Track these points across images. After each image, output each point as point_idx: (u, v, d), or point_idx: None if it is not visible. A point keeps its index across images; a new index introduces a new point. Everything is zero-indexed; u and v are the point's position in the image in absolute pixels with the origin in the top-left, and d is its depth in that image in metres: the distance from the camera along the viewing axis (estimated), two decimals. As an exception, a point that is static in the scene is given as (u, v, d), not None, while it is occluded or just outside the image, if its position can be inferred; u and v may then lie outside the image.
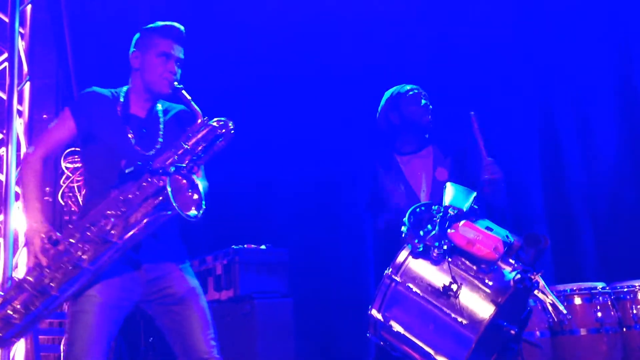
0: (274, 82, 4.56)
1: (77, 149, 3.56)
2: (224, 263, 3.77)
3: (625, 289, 3.66)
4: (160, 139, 2.37)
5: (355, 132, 4.36)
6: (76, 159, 4.46)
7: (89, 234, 2.13)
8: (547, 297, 2.34)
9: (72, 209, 4.22)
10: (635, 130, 4.41)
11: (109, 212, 2.14)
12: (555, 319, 2.37)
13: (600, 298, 3.62)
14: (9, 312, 2.17)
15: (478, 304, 2.23)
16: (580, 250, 4.40)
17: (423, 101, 3.13)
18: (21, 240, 3.95)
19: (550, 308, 2.33)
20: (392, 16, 4.56)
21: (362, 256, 4.31)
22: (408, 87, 3.19)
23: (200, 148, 2.26)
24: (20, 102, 4.22)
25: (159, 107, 2.45)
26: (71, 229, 2.19)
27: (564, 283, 3.81)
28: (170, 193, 2.10)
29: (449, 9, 4.55)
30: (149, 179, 2.16)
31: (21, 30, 4.30)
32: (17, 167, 4.01)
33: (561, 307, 2.33)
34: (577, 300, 3.64)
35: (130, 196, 2.15)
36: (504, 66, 4.53)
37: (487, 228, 2.35)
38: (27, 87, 4.27)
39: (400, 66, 4.42)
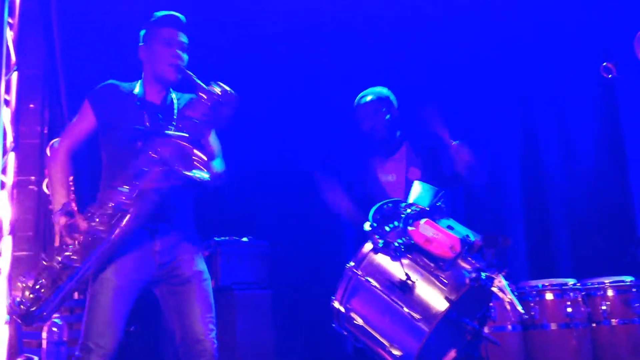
0: (259, 76, 4.60)
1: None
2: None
3: (596, 286, 3.78)
4: (174, 123, 2.44)
5: (339, 126, 4.43)
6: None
7: (106, 208, 2.26)
8: (506, 296, 2.42)
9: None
10: (613, 133, 4.51)
11: (123, 187, 2.26)
12: (513, 318, 2.46)
13: (571, 294, 3.73)
14: (38, 287, 2.28)
15: (432, 300, 2.31)
16: (555, 248, 4.51)
17: (375, 110, 3.17)
18: (5, 227, 4.00)
19: (508, 307, 2.42)
20: (373, 15, 4.61)
21: (343, 249, 4.39)
22: (365, 97, 3.23)
23: (206, 116, 2.37)
24: (7, 91, 4.25)
25: (173, 95, 2.55)
26: (93, 207, 2.31)
27: (538, 279, 3.93)
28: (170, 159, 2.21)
29: (432, 12, 4.61)
30: (157, 150, 2.26)
31: (10, 20, 4.32)
32: (3, 155, 4.05)
33: (519, 307, 2.42)
34: (549, 296, 3.74)
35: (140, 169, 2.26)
36: (486, 66, 4.61)
37: (448, 227, 2.43)
38: (14, 76, 4.30)
39: (381, 64, 4.49)
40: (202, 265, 2.48)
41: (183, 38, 2.51)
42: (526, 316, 3.48)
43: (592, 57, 4.46)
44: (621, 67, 4.36)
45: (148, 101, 2.50)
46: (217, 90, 2.38)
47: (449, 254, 2.34)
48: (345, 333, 2.52)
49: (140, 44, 2.53)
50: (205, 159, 2.33)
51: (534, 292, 3.75)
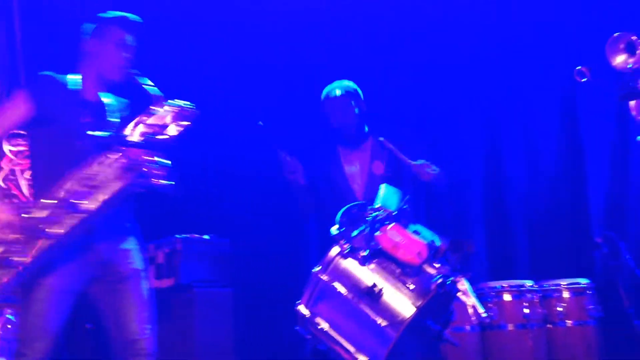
0: (222, 71, 4.57)
1: (21, 132, 3.52)
2: (166, 252, 3.79)
3: (552, 287, 3.85)
4: (114, 123, 2.41)
5: (301, 125, 4.43)
6: (20, 143, 4.39)
7: (58, 207, 2.19)
8: (469, 299, 2.45)
9: (13, 192, 4.16)
10: (573, 141, 4.61)
11: (75, 186, 2.20)
12: (475, 321, 2.50)
13: (529, 295, 3.80)
14: None
15: (398, 307, 2.32)
16: (514, 250, 4.58)
17: (345, 105, 3.21)
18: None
19: (471, 310, 2.45)
20: (339, 12, 4.62)
21: (305, 249, 4.39)
22: (334, 91, 3.29)
23: (156, 130, 2.34)
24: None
25: (112, 96, 2.50)
26: (35, 204, 2.24)
27: (497, 280, 3.98)
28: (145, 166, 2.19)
29: (401, 12, 4.64)
30: (118, 153, 2.22)
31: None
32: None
33: (481, 310, 2.46)
34: (507, 297, 3.80)
35: (96, 171, 2.22)
36: (452, 69, 4.64)
37: (415, 232, 2.45)
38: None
39: (349, 62, 4.48)
40: (140, 263, 2.45)
41: (134, 42, 2.48)
42: (488, 320, 3.53)
43: (557, 65, 4.56)
44: (582, 83, 4.50)
45: (87, 100, 2.45)
46: (175, 108, 2.36)
47: (416, 260, 2.36)
48: (309, 337, 2.52)
49: (88, 37, 2.47)
50: (169, 163, 2.31)
51: (493, 293, 3.80)
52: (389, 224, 2.45)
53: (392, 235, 2.40)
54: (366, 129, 3.34)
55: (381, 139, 3.10)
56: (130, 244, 2.43)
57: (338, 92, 3.27)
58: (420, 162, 3.05)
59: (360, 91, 3.34)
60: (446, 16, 4.61)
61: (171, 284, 3.77)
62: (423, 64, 4.61)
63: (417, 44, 4.61)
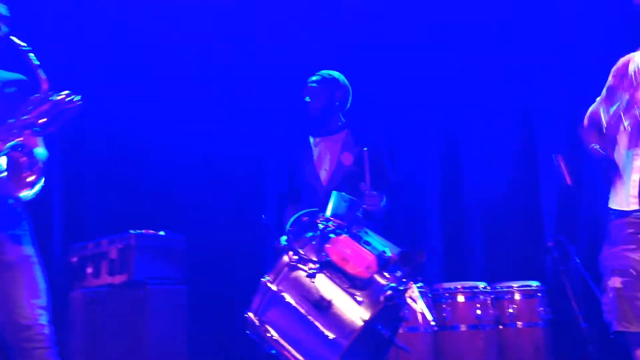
0: (183, 68, 4.52)
1: None
2: (119, 247, 3.71)
3: (504, 289, 3.92)
4: None
5: (261, 121, 4.41)
6: None
7: None
8: (417, 305, 2.47)
9: None
10: (529, 146, 4.72)
11: None
12: (423, 326, 2.52)
13: (481, 297, 3.86)
14: None
15: (347, 319, 2.33)
16: (469, 253, 4.66)
17: (315, 91, 3.30)
18: None
19: (419, 316, 2.47)
20: (311, 8, 4.63)
21: (262, 246, 4.37)
22: (317, 77, 3.37)
23: (41, 121, 2.24)
24: None
25: None
26: None
27: (451, 281, 4.03)
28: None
29: (374, 13, 4.68)
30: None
31: None
32: None
33: (429, 317, 2.48)
34: (460, 298, 3.86)
35: None
36: (415, 78, 4.72)
37: (366, 243, 2.44)
38: None
39: (319, 58, 4.49)
40: (28, 249, 2.39)
41: (5, 11, 2.38)
42: (435, 326, 3.58)
43: (515, 75, 4.66)
44: (536, 90, 4.62)
45: None
46: (61, 96, 2.28)
47: (365, 274, 2.36)
48: (259, 341, 2.51)
49: None
50: (33, 178, 2.25)
51: (447, 294, 3.85)
52: (339, 235, 2.44)
53: (341, 248, 2.39)
54: (342, 120, 3.38)
55: (365, 149, 3.13)
56: (12, 231, 2.36)
57: (316, 77, 3.35)
58: (374, 193, 3.09)
59: (343, 82, 3.39)
60: (404, 25, 4.67)
61: (124, 280, 3.69)
62: (383, 70, 4.66)
63: (377, 50, 4.67)
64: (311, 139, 3.38)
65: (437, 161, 4.80)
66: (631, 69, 2.40)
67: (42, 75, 2.27)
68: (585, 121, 2.57)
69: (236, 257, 4.35)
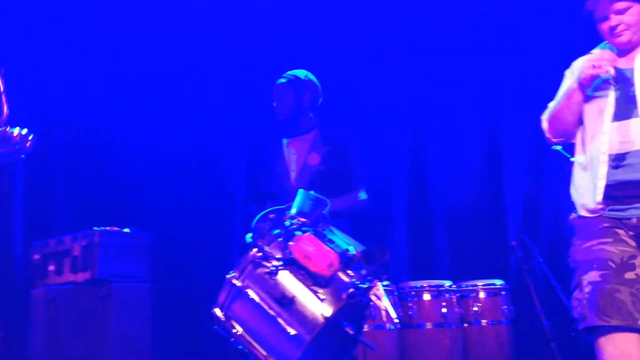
0: (153, 67, 4.48)
1: None
2: (83, 244, 3.65)
3: (469, 288, 3.97)
4: None
5: (231, 121, 4.39)
6: None
7: None
8: (382, 302, 2.49)
9: None
10: (495, 148, 4.80)
11: None
12: (387, 323, 2.54)
13: (447, 295, 3.90)
14: None
15: (309, 316, 2.34)
16: (435, 251, 4.71)
17: (282, 92, 3.32)
18: None
19: (383, 313, 2.49)
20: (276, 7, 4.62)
21: (229, 244, 4.35)
22: (287, 77, 3.39)
23: None
24: None
25: None
26: None
27: (418, 280, 4.07)
28: None
29: (339, 23, 4.70)
30: None
31: None
32: None
33: (393, 314, 2.50)
34: (426, 297, 3.89)
35: None
36: (384, 77, 4.77)
37: (329, 241, 2.46)
38: None
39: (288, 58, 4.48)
40: None
41: None
42: (398, 323, 3.61)
43: (481, 77, 4.73)
44: (502, 93, 4.70)
45: None
46: (16, 131, 2.25)
47: (327, 272, 2.38)
48: (227, 336, 2.51)
49: None
50: None
51: (413, 293, 3.88)
52: (304, 233, 2.46)
53: (304, 246, 2.40)
54: (312, 120, 3.40)
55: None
56: None
57: (282, 80, 3.36)
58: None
59: (311, 81, 3.40)
60: (374, 28, 4.71)
61: (88, 277, 3.64)
62: (351, 73, 4.70)
63: (344, 54, 4.70)
64: (284, 140, 3.41)
65: (405, 162, 4.85)
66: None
67: (4, 101, 2.20)
68: (545, 124, 2.56)
69: (202, 255, 4.32)
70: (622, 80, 2.33)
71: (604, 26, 2.36)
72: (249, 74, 4.50)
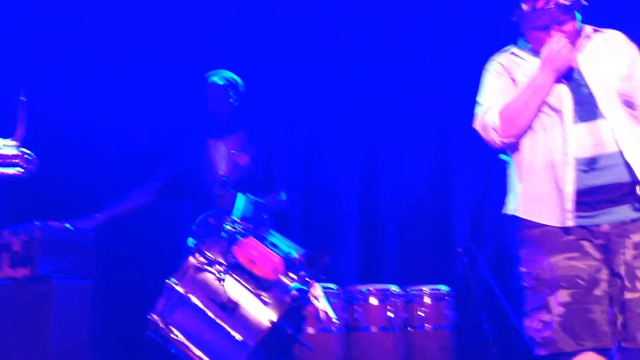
0: (97, 63, 4.40)
1: None
2: (23, 239, 3.53)
3: (415, 292, 4.03)
4: None
5: (176, 117, 4.35)
6: None
7: None
8: (321, 304, 2.51)
9: None
10: (443, 157, 4.89)
11: None
12: (327, 325, 2.56)
13: (393, 299, 3.94)
14: None
15: (254, 321, 2.35)
16: (383, 256, 4.76)
17: (222, 93, 3.33)
18: None
19: (322, 315, 2.51)
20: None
21: (175, 242, 4.28)
22: (215, 78, 3.43)
23: None
24: None
25: None
26: None
27: (366, 283, 4.10)
28: None
29: (292, 22, 4.70)
30: None
31: None
32: None
33: (332, 315, 2.53)
34: (373, 300, 3.92)
35: None
36: (337, 82, 4.80)
37: (272, 244, 2.47)
38: None
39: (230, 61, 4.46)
40: None
41: None
42: (337, 323, 3.64)
43: (432, 85, 4.81)
44: (451, 99, 4.79)
45: None
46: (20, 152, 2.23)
47: (272, 276, 2.39)
48: (161, 342, 2.48)
49: None
50: None
51: (360, 296, 3.91)
52: (246, 237, 2.45)
53: (248, 250, 2.41)
54: (239, 121, 3.46)
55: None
56: None
57: (219, 81, 3.38)
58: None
59: (241, 84, 3.46)
60: (324, 27, 4.73)
61: (27, 273, 3.51)
62: (301, 75, 4.71)
63: (297, 51, 4.70)
64: (209, 141, 3.43)
65: (356, 167, 4.90)
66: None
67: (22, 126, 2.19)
68: (495, 121, 2.35)
69: (148, 253, 4.24)
70: (570, 80, 2.25)
71: (542, 35, 2.27)
72: (182, 73, 4.45)
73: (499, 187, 4.66)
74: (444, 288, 4.07)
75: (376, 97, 4.87)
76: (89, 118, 4.33)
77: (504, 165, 4.05)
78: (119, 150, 4.40)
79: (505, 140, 2.33)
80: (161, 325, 2.40)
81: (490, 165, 4.77)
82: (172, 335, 2.38)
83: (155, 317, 2.42)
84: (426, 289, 4.04)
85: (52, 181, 4.13)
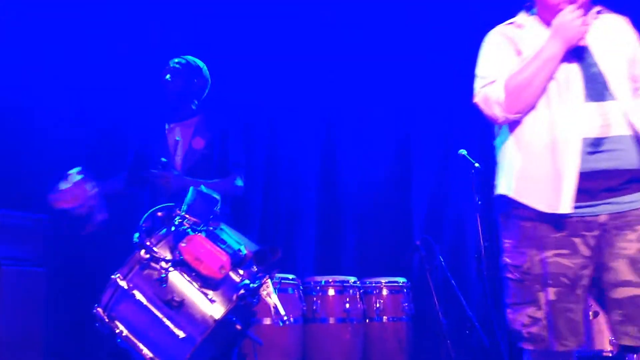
0: (59, 46, 4.28)
1: None
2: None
3: (373, 284, 4.05)
4: None
5: (134, 101, 4.26)
6: None
7: None
8: (271, 300, 2.49)
9: None
10: (404, 150, 4.92)
11: None
12: (275, 320, 2.54)
13: (351, 291, 3.95)
14: None
15: (198, 318, 2.31)
16: (342, 247, 4.77)
17: (174, 75, 3.32)
18: None
19: (272, 310, 2.49)
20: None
21: (131, 228, 4.19)
22: (171, 62, 3.38)
23: None
24: None
25: None
26: None
27: (323, 275, 4.10)
28: None
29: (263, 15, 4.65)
30: None
31: None
32: None
33: (282, 312, 2.50)
34: (331, 292, 3.93)
35: None
36: (300, 72, 4.76)
37: (221, 241, 2.42)
38: None
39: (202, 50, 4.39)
40: None
41: None
42: (286, 319, 3.62)
43: (394, 75, 4.82)
44: (413, 91, 4.82)
45: None
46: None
47: (218, 275, 2.34)
48: (108, 334, 2.43)
49: None
50: None
51: (318, 287, 3.91)
52: (195, 233, 2.41)
53: (195, 247, 2.35)
54: (195, 106, 3.41)
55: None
56: None
57: (177, 60, 3.37)
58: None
59: (201, 68, 3.42)
60: (287, 18, 4.71)
61: (-24, 260, 3.40)
62: (264, 65, 4.67)
63: (259, 36, 4.66)
64: (166, 125, 3.39)
65: (315, 159, 4.89)
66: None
67: None
68: (500, 96, 2.14)
69: (103, 238, 4.15)
70: (578, 58, 2.13)
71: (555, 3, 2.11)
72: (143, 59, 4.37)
73: (457, 180, 4.79)
74: (401, 280, 4.10)
75: (338, 88, 4.85)
76: (45, 103, 4.21)
77: (462, 160, 4.14)
78: (76, 135, 4.28)
79: (510, 116, 2.12)
80: (105, 319, 2.36)
81: (448, 159, 4.82)
82: (116, 329, 2.34)
83: (99, 310, 2.37)
84: (384, 280, 4.06)
85: (5, 168, 4.01)
